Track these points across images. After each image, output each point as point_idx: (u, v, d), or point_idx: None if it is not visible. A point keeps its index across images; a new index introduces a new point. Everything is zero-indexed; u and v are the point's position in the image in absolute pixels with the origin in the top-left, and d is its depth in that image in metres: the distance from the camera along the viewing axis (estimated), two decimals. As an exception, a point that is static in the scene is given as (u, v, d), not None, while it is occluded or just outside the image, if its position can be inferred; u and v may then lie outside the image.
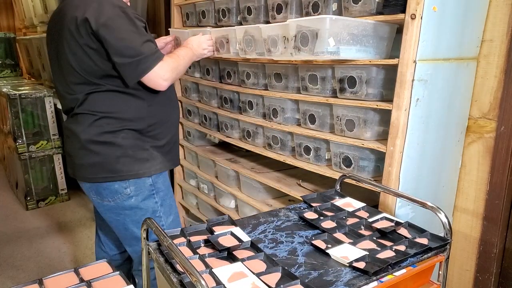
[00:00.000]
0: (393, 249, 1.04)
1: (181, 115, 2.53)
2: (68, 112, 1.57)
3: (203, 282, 0.77)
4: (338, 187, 1.43)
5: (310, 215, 1.26)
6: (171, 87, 1.60)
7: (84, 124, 1.47)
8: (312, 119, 1.66)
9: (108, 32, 1.35)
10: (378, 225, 1.18)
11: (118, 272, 0.97)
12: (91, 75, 1.44)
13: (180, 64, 1.56)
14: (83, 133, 1.47)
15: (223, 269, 0.93)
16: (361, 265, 0.97)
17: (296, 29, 1.45)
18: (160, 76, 1.43)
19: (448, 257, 1.08)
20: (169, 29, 2.31)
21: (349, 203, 1.34)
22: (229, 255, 1.02)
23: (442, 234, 1.11)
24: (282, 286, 0.88)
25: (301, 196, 1.49)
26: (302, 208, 1.34)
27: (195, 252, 1.01)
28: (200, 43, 1.80)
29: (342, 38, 1.37)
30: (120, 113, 1.47)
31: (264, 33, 1.62)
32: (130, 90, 1.47)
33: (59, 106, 3.16)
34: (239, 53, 1.80)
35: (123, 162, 1.48)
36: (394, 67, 1.32)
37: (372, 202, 1.42)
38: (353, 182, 1.40)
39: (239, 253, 1.02)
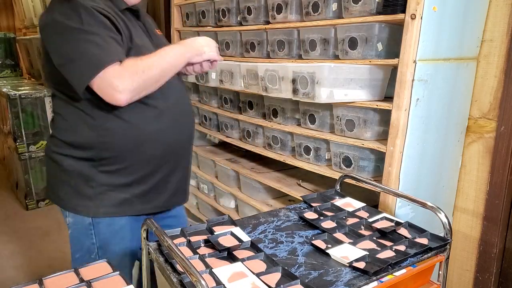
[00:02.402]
0: (393, 249, 1.04)
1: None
2: None
3: (203, 282, 0.77)
4: (338, 187, 1.43)
5: (310, 215, 1.26)
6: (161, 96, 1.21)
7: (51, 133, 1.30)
8: (312, 119, 1.66)
9: (46, 33, 1.13)
10: (378, 225, 1.18)
11: (118, 272, 0.97)
12: (50, 81, 1.24)
13: (152, 67, 1.10)
14: (47, 142, 1.31)
15: (223, 269, 0.93)
16: (361, 265, 0.97)
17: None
18: (112, 85, 1.06)
19: (448, 257, 1.08)
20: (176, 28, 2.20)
21: (349, 203, 1.34)
22: (229, 255, 1.02)
23: (442, 234, 1.11)
24: (282, 286, 0.88)
25: (301, 196, 1.49)
26: (302, 208, 1.34)
27: (195, 252, 1.01)
28: (204, 41, 1.29)
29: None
30: (65, 134, 1.22)
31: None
32: (78, 104, 1.18)
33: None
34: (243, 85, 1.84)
35: (64, 190, 1.25)
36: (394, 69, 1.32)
37: (372, 202, 1.42)
38: (353, 182, 1.40)
39: (239, 253, 1.02)
